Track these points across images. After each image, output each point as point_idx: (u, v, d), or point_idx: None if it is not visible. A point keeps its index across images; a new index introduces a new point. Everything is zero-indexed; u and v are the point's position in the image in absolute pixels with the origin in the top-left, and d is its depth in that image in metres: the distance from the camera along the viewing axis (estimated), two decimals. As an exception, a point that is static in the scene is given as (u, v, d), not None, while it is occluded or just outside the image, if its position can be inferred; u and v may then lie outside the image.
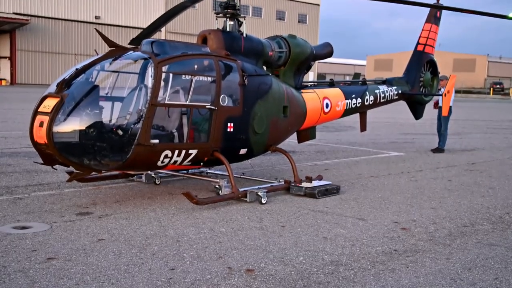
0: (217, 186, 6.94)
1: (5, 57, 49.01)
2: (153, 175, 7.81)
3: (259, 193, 6.84)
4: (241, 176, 7.97)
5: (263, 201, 6.77)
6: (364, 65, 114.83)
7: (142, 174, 7.83)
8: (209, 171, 8.43)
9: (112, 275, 4.29)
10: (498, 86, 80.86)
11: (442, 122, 13.33)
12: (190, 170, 8.14)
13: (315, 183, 7.60)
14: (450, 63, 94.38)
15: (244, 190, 6.99)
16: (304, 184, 7.47)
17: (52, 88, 6.19)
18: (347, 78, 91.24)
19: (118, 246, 5.02)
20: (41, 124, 5.91)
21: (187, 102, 6.57)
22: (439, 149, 13.37)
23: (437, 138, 13.60)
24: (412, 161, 11.60)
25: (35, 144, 6.08)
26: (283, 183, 7.58)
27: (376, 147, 13.87)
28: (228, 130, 7.01)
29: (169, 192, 7.36)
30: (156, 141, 6.27)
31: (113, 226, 5.67)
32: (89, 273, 4.31)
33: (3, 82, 47.63)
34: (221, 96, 6.86)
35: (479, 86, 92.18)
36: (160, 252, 4.89)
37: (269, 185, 7.47)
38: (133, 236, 5.33)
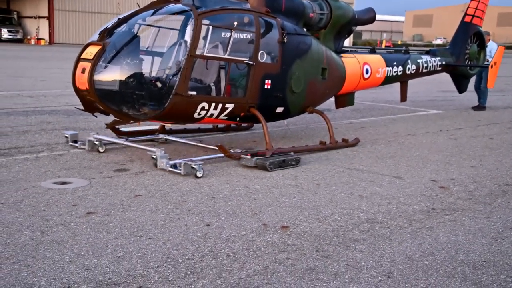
0: (153, 156, 6.33)
1: (44, 17, 49.60)
2: (95, 142, 7.08)
3: (193, 166, 5.98)
4: (198, 144, 7.44)
5: (198, 174, 5.96)
6: (402, 21, 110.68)
7: (85, 141, 7.13)
8: (167, 137, 7.78)
9: (149, 229, 4.38)
10: None
11: (483, 78, 12.79)
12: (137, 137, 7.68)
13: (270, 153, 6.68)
14: (494, 18, 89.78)
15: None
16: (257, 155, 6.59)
17: (95, 37, 6.32)
18: (384, 35, 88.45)
19: (155, 202, 5.11)
20: (83, 71, 6.03)
21: (226, 55, 6.54)
22: (480, 107, 12.92)
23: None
24: (451, 119, 11.26)
25: (77, 90, 6.21)
26: (239, 151, 6.78)
27: (413, 104, 13.51)
28: (266, 86, 6.96)
29: (204, 150, 7.41)
30: (194, 92, 6.30)
31: (150, 182, 5.76)
32: (127, 227, 4.41)
33: (42, 42, 48.42)
34: (260, 52, 6.81)
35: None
36: (196, 208, 4.95)
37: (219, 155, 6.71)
38: (169, 193, 5.41)
